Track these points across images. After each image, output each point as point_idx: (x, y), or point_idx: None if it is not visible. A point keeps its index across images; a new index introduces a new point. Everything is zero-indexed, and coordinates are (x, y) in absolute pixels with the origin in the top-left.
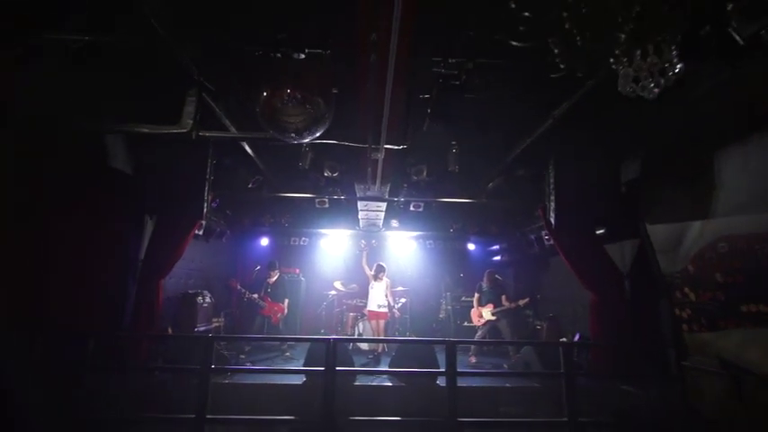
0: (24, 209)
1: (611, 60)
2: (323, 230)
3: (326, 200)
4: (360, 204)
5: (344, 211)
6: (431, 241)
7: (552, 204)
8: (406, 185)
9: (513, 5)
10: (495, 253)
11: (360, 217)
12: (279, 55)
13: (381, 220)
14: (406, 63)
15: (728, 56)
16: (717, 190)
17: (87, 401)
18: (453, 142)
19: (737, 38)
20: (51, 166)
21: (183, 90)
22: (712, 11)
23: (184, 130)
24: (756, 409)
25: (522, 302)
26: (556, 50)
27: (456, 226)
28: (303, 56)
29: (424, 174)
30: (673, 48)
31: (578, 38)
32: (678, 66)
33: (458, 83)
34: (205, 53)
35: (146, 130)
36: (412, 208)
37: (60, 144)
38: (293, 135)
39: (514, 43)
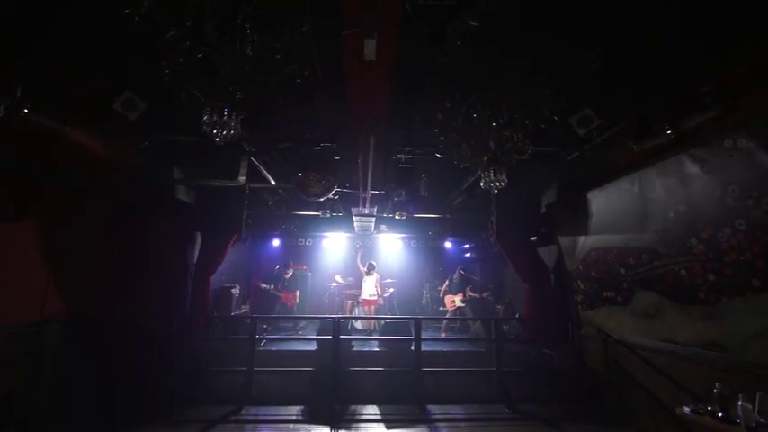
0: (122, 231)
1: (479, 170)
2: (325, 234)
3: (328, 212)
4: (354, 216)
5: (343, 219)
6: (414, 241)
7: (494, 219)
8: (390, 203)
9: (436, 131)
10: (466, 251)
11: (355, 224)
12: (305, 146)
13: (372, 226)
14: (381, 149)
15: (577, 142)
16: (589, 218)
17: (175, 360)
18: (423, 175)
19: (580, 133)
20: (150, 200)
21: (237, 156)
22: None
23: (240, 184)
24: (614, 360)
25: (485, 294)
26: (455, 162)
27: (433, 230)
28: (319, 148)
29: (403, 195)
30: (503, 173)
31: (468, 156)
32: (504, 182)
33: (411, 166)
34: (253, 139)
35: (217, 184)
36: (397, 217)
37: (147, 186)
38: (314, 197)
39: (438, 155)
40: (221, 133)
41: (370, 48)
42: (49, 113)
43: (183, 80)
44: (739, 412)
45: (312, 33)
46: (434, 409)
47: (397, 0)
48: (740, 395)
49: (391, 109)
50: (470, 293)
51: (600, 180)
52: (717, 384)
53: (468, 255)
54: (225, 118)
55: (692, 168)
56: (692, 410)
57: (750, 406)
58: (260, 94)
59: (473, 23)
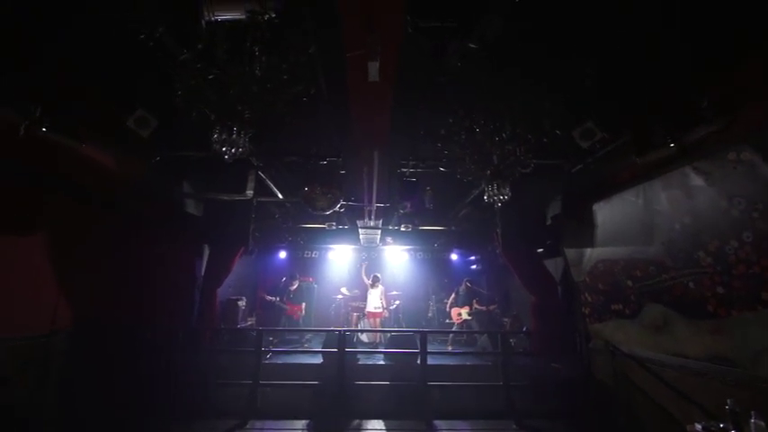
0: (130, 243)
1: (482, 184)
2: (331, 246)
3: (334, 225)
4: (360, 229)
5: (348, 231)
6: (420, 253)
7: (499, 231)
8: (395, 215)
9: (439, 145)
10: (472, 262)
11: (360, 236)
12: (311, 161)
13: (378, 238)
14: (386, 161)
15: (580, 155)
16: (595, 229)
17: (180, 372)
18: (428, 188)
19: (583, 146)
20: (158, 213)
21: (245, 170)
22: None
23: (248, 198)
24: (623, 374)
25: (492, 307)
26: (458, 176)
27: (439, 242)
28: (325, 162)
29: (408, 207)
30: (507, 187)
31: (472, 170)
32: (508, 195)
33: (415, 179)
34: (260, 154)
35: (225, 198)
36: (402, 228)
37: (156, 199)
38: (320, 210)
39: (441, 169)
40: (230, 151)
41: (373, 70)
42: (63, 129)
43: (194, 100)
44: (753, 430)
45: (317, 49)
46: (441, 424)
47: (398, 24)
48: (752, 412)
49: (394, 121)
50: (477, 306)
51: (605, 192)
52: (729, 401)
53: (474, 267)
54: (234, 136)
55: (697, 181)
56: (703, 428)
57: (763, 423)
58: (268, 113)
59: (472, 46)
